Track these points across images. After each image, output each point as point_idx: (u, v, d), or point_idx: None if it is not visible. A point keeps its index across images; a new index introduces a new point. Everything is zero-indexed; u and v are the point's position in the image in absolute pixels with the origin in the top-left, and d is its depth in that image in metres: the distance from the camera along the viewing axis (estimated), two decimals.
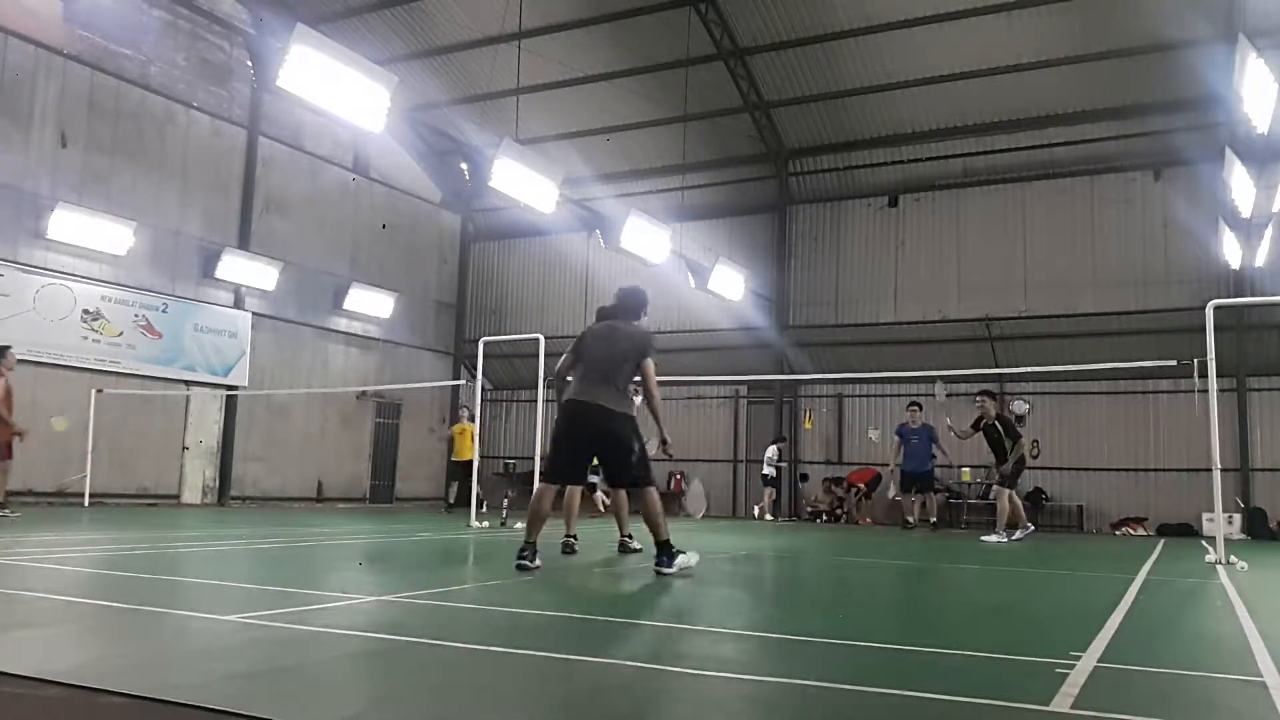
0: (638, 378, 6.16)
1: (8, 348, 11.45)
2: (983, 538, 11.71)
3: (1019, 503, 12.45)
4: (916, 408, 14.68)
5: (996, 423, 12.25)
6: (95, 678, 2.54)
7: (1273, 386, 16.62)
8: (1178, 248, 16.88)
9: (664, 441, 6.20)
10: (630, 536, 7.59)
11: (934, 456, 14.61)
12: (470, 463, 14.50)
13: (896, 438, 14.90)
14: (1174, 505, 16.48)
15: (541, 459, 14.64)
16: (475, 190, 22.05)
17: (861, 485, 18.39)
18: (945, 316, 18.48)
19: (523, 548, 5.94)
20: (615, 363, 6.03)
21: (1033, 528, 12.66)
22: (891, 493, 17.33)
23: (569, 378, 6.24)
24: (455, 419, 15.87)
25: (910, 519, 14.70)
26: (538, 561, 5.89)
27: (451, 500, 15.77)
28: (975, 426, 12.55)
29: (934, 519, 14.90)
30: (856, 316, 19.35)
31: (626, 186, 20.69)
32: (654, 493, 5.97)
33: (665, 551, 5.78)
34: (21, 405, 14.52)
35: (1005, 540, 11.43)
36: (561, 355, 6.39)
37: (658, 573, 5.69)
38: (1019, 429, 12.68)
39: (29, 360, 14.58)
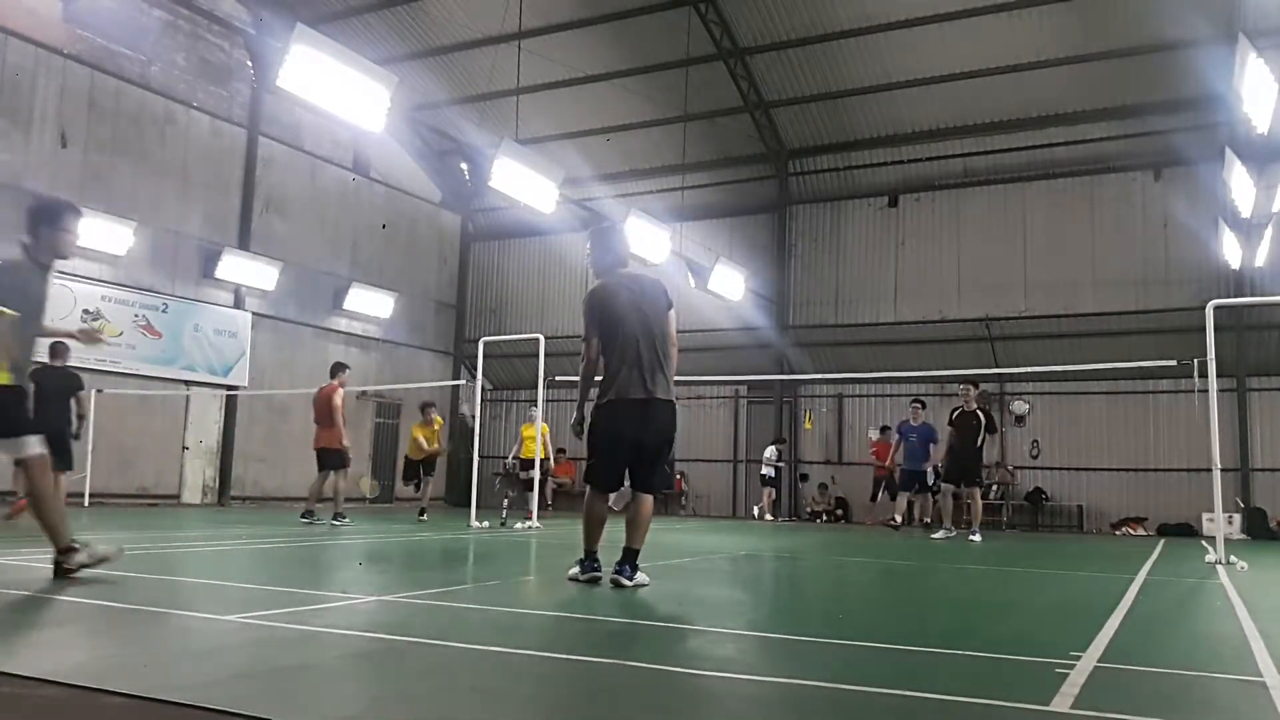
0: None
1: None
2: (970, 537, 11.87)
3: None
4: (919, 405, 14.48)
5: (979, 412, 12.27)
6: (95, 678, 2.54)
7: (1273, 386, 16.63)
8: (1178, 248, 16.89)
9: None
10: (72, 548, 4.86)
11: (928, 456, 14.08)
12: (430, 461, 13.86)
13: (896, 435, 14.63)
14: (1174, 505, 16.48)
15: (547, 459, 14.66)
16: (475, 190, 22.08)
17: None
18: (945, 316, 18.48)
19: (584, 558, 5.31)
20: (654, 328, 5.25)
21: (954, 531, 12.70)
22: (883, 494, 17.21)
23: (602, 361, 5.33)
24: (424, 418, 14.26)
25: (898, 519, 14.37)
26: (600, 572, 5.28)
27: (425, 502, 14.06)
28: (950, 420, 12.50)
29: (928, 519, 14.55)
30: (856, 316, 19.35)
31: (626, 186, 20.70)
32: (652, 499, 5.42)
33: (631, 561, 5.16)
34: None
35: (979, 539, 11.74)
36: (581, 353, 5.44)
37: (616, 583, 5.09)
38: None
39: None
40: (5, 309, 4.81)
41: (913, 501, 14.75)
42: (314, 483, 11.83)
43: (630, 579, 5.11)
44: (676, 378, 5.55)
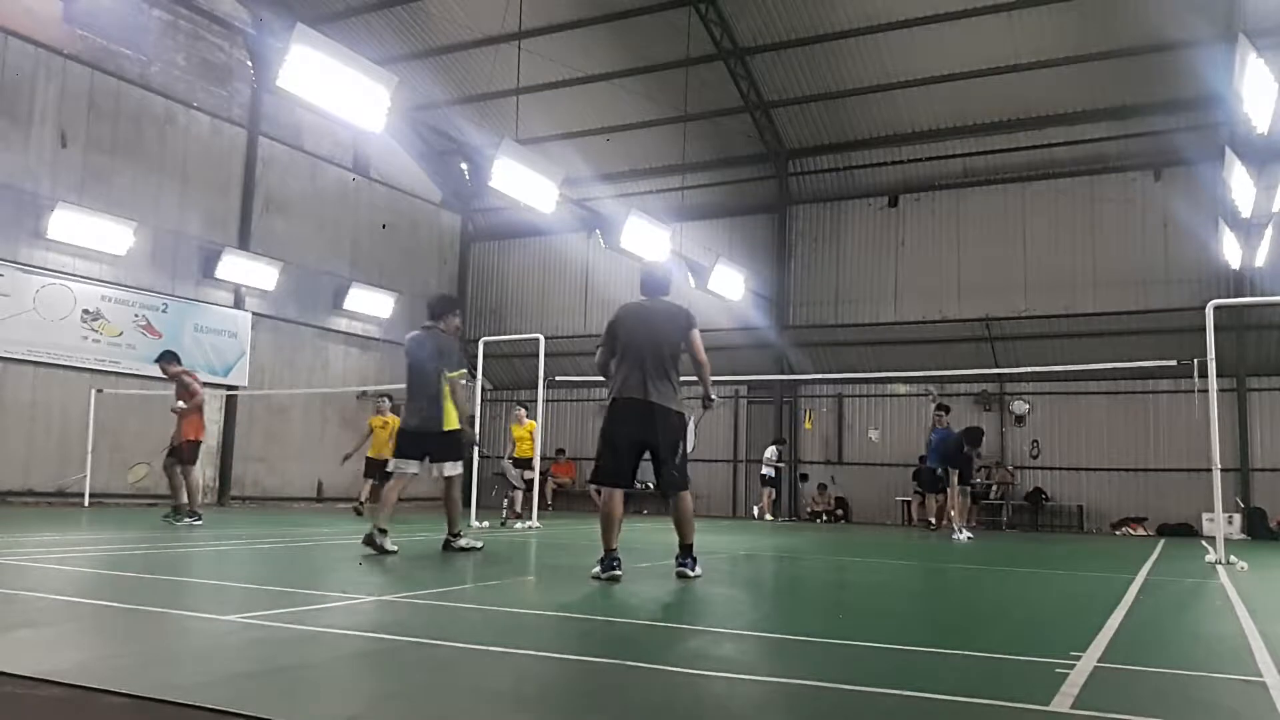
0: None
1: None
2: (955, 537, 12.20)
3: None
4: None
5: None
6: (95, 678, 2.54)
7: (1273, 386, 16.62)
8: (1178, 248, 16.88)
9: (708, 399, 6.19)
10: (458, 534, 7.68)
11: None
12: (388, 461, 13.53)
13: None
14: (1174, 505, 16.47)
15: (545, 459, 14.63)
16: (475, 190, 22.07)
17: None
18: (945, 316, 18.47)
19: (603, 557, 5.58)
20: (663, 345, 5.77)
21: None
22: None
23: (611, 368, 5.91)
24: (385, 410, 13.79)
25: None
26: (620, 570, 5.54)
27: (364, 499, 13.83)
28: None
29: (932, 519, 14.62)
30: (856, 316, 19.35)
31: (626, 186, 20.69)
32: (689, 497, 5.84)
33: (689, 554, 5.80)
34: (21, 405, 14.59)
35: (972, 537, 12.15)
36: (597, 351, 6.04)
37: (681, 575, 5.69)
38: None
39: (29, 360, 14.60)
40: (462, 370, 7.21)
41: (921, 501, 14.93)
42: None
43: (693, 571, 5.73)
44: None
